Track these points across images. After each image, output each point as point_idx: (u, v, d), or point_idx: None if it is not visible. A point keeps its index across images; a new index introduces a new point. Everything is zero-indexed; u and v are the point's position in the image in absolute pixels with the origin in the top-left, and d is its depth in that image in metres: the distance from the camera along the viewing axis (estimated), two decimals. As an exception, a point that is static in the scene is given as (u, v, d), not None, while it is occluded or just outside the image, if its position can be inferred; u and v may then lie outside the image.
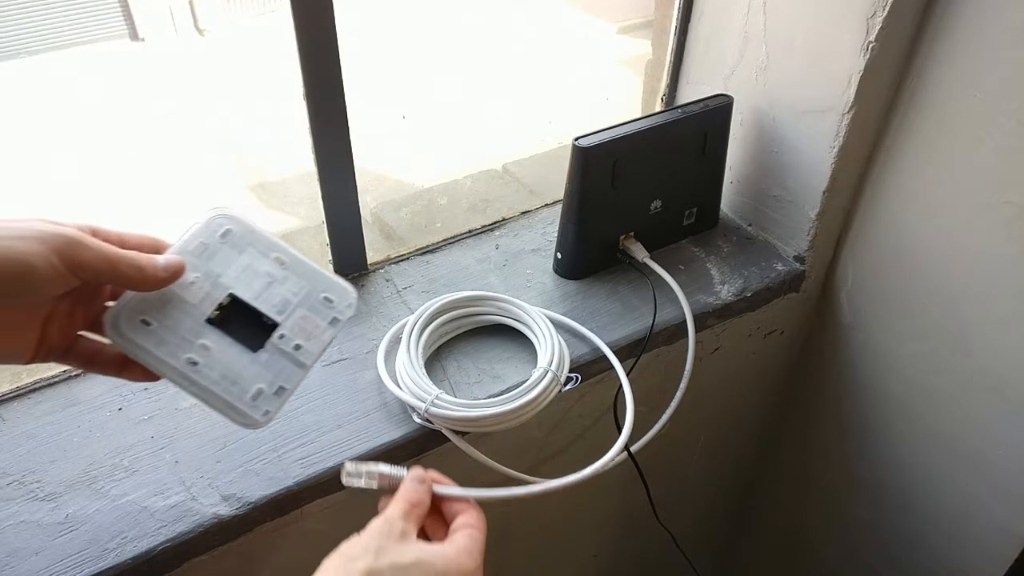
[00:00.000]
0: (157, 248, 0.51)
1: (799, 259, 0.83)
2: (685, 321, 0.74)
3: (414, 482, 0.51)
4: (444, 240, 0.84)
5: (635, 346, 0.73)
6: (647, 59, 0.94)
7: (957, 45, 0.68)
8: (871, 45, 0.68)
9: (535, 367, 0.67)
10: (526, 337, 0.71)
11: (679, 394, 0.74)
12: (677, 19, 0.85)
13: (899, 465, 0.90)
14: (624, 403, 0.68)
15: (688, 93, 0.88)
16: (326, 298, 0.53)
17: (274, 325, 0.52)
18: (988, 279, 0.73)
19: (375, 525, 0.47)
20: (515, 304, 0.72)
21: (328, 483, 0.61)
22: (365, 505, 0.67)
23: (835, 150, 0.74)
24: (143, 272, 0.47)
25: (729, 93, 0.79)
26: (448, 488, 0.53)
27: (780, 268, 0.83)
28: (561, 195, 0.75)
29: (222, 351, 0.50)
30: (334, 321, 0.53)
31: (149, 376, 0.50)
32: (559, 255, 0.79)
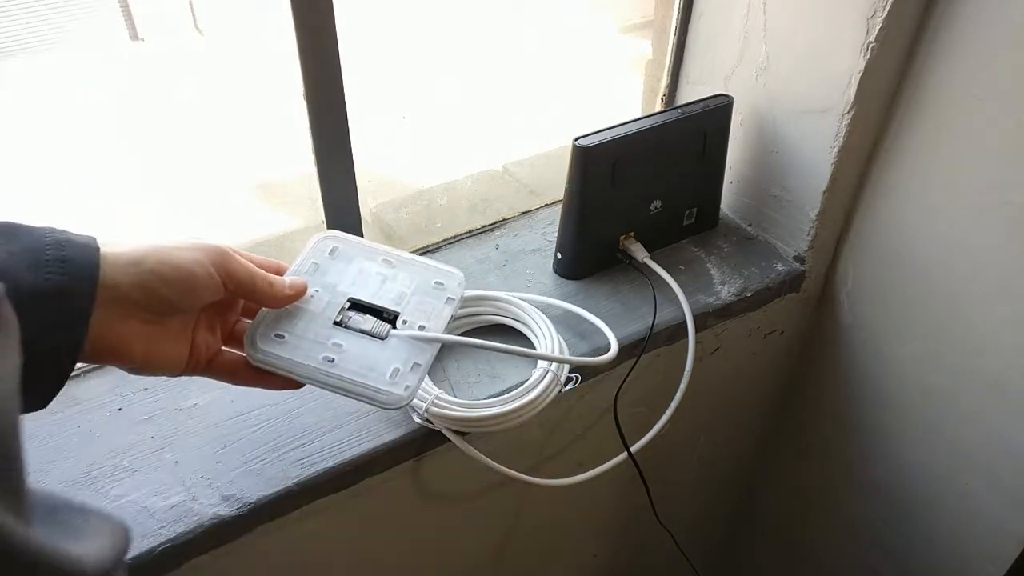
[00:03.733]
0: (278, 270, 0.56)
1: (799, 259, 0.83)
2: (685, 321, 0.74)
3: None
4: (444, 240, 0.84)
5: (635, 346, 0.73)
6: (647, 59, 0.94)
7: (957, 45, 0.68)
8: (871, 45, 0.68)
9: (535, 367, 0.67)
10: (526, 337, 0.71)
11: (679, 394, 0.74)
12: (677, 19, 0.85)
13: (899, 465, 0.90)
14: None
15: (688, 93, 0.88)
16: (437, 283, 0.58)
17: (395, 316, 0.56)
18: (988, 279, 0.73)
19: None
20: (515, 304, 0.72)
21: (328, 483, 0.61)
22: (365, 506, 0.67)
23: (835, 150, 0.74)
24: (274, 288, 0.53)
25: (729, 93, 0.79)
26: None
27: (780, 268, 0.83)
28: (561, 195, 0.75)
29: (354, 345, 0.55)
30: (449, 300, 0.58)
31: (289, 384, 0.54)
32: (559, 255, 0.79)
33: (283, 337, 0.54)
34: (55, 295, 0.41)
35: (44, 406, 0.44)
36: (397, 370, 0.54)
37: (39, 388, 0.43)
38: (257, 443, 0.62)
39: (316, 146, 0.69)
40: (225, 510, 0.57)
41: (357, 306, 0.56)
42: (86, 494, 0.58)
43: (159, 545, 0.55)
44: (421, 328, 0.56)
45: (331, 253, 0.59)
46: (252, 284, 0.51)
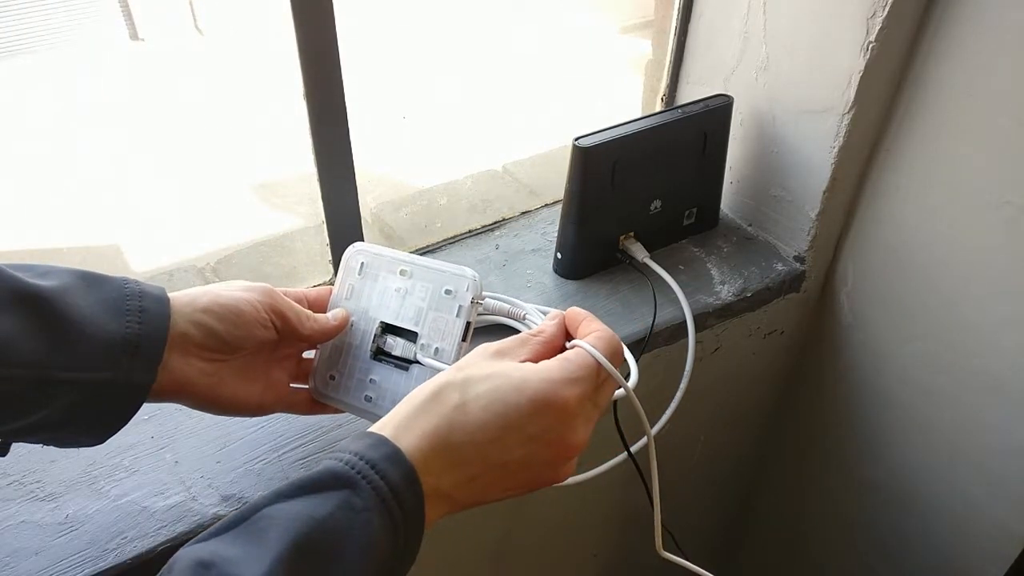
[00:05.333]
0: (325, 296, 0.60)
1: (799, 259, 0.83)
2: (685, 321, 0.74)
3: (548, 319, 0.50)
4: (444, 240, 0.84)
5: (635, 346, 0.73)
6: (647, 59, 0.94)
7: (957, 45, 0.68)
8: (871, 45, 0.68)
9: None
10: (526, 337, 0.71)
11: (679, 394, 0.74)
12: (677, 19, 0.85)
13: (899, 465, 0.90)
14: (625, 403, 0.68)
15: (688, 93, 0.88)
16: (447, 291, 0.57)
17: (416, 336, 0.57)
18: (988, 279, 0.73)
19: (476, 349, 0.48)
20: (515, 304, 0.72)
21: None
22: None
23: (835, 150, 0.74)
24: (319, 324, 0.56)
25: (729, 93, 0.79)
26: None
27: (780, 268, 0.83)
28: (561, 195, 0.75)
29: (385, 380, 0.57)
30: (460, 310, 0.56)
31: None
32: (559, 255, 0.79)
33: (335, 378, 0.58)
34: (134, 342, 0.46)
35: (102, 442, 0.48)
36: None
37: (101, 425, 0.47)
38: (257, 443, 0.62)
39: (316, 146, 0.69)
40: (225, 510, 0.57)
41: (388, 327, 0.58)
42: (86, 494, 0.58)
43: (159, 545, 0.55)
44: (437, 351, 0.56)
45: (360, 271, 0.59)
46: (299, 321, 0.54)
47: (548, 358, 0.46)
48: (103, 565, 0.53)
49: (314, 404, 0.59)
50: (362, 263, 0.60)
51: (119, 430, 0.48)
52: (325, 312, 0.59)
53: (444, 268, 0.58)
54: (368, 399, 0.57)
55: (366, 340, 0.58)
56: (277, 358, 0.57)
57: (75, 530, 0.55)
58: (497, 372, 0.44)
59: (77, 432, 0.47)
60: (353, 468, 0.39)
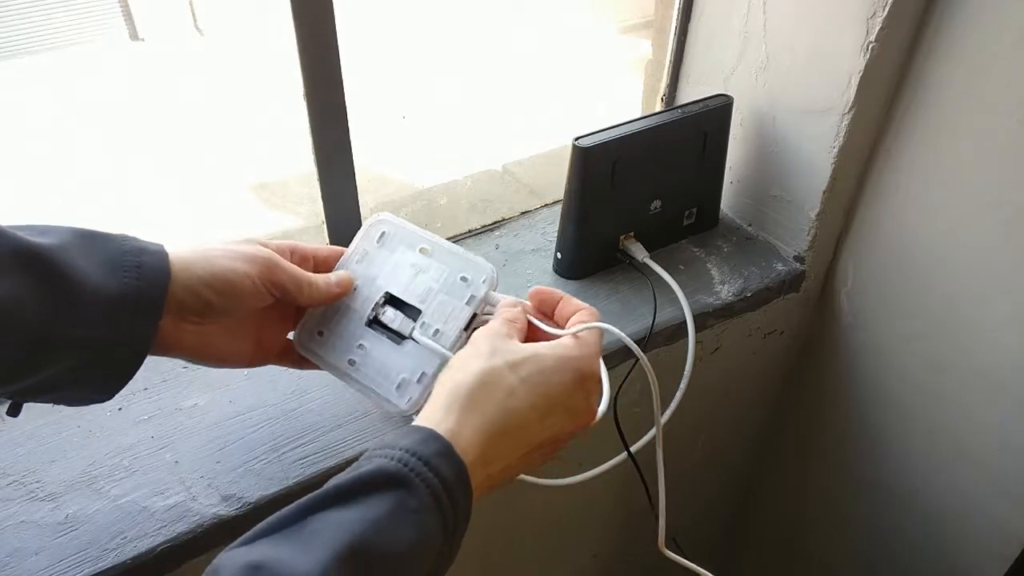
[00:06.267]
0: (337, 255, 0.59)
1: (799, 259, 0.83)
2: (685, 321, 0.74)
3: (507, 306, 0.53)
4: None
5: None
6: (647, 59, 0.94)
7: (957, 45, 0.68)
8: (871, 45, 0.68)
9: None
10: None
11: (679, 394, 0.74)
12: (677, 19, 0.85)
13: (899, 465, 0.90)
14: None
15: (688, 93, 0.88)
16: (462, 278, 0.56)
17: (419, 314, 0.56)
18: (988, 279, 0.73)
19: (479, 335, 0.48)
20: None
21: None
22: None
23: (835, 150, 0.74)
24: (320, 290, 0.55)
25: (729, 93, 0.79)
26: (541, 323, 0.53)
27: (780, 268, 0.83)
28: (561, 195, 0.75)
29: (374, 348, 0.56)
30: (471, 299, 0.56)
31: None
32: (559, 255, 0.79)
33: (322, 335, 0.57)
34: (134, 299, 0.45)
35: (110, 398, 0.49)
36: (404, 380, 0.55)
37: (107, 382, 0.47)
38: (257, 443, 0.62)
39: (316, 146, 0.69)
40: (225, 510, 0.57)
41: (392, 298, 0.57)
42: (86, 494, 0.58)
43: (159, 545, 0.55)
44: (436, 333, 0.55)
45: (379, 240, 0.59)
46: (299, 290, 0.53)
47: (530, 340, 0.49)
48: (103, 565, 0.53)
49: (303, 359, 0.58)
50: (383, 232, 0.59)
51: (124, 385, 0.48)
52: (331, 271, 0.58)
53: (466, 256, 0.57)
54: (352, 363, 0.56)
55: (365, 306, 0.57)
56: (273, 318, 0.56)
57: (75, 530, 0.55)
58: (533, 354, 0.45)
59: (84, 390, 0.47)
60: (407, 466, 0.38)
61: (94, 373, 0.46)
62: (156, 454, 0.61)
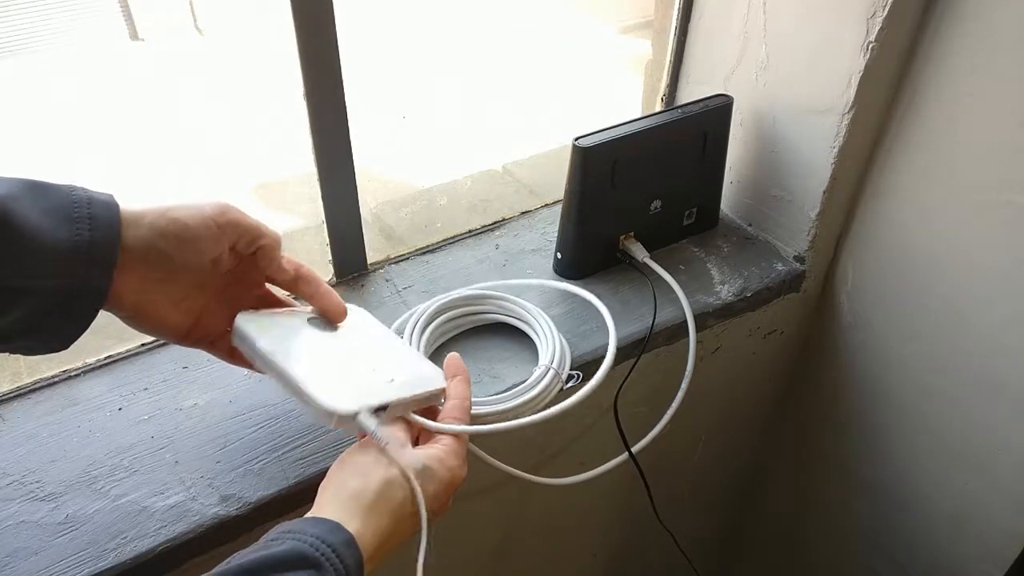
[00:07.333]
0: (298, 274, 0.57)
1: (799, 259, 0.83)
2: (685, 321, 0.74)
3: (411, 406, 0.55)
4: (444, 240, 0.84)
5: (635, 346, 0.73)
6: (647, 59, 0.94)
7: (957, 45, 0.68)
8: (871, 45, 0.68)
9: (536, 365, 0.67)
10: (525, 337, 0.71)
11: (680, 394, 0.74)
12: (677, 19, 0.85)
13: (899, 465, 0.90)
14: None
15: (688, 93, 0.88)
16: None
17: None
18: (988, 279, 0.73)
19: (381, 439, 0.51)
20: (516, 302, 0.72)
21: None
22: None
23: (835, 150, 0.74)
24: (274, 253, 0.54)
25: (729, 93, 0.79)
26: (431, 423, 0.54)
27: (780, 268, 0.83)
28: (561, 195, 0.75)
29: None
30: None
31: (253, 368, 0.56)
32: (559, 255, 0.79)
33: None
34: (86, 249, 0.45)
35: (65, 348, 0.48)
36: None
37: (64, 332, 0.47)
38: (257, 443, 0.62)
39: (316, 146, 0.69)
40: (225, 510, 0.57)
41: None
42: (86, 494, 0.58)
43: (159, 545, 0.55)
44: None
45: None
46: (258, 236, 0.52)
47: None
48: (103, 565, 0.53)
49: (233, 352, 0.56)
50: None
51: (81, 334, 0.48)
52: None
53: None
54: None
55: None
56: (220, 300, 0.54)
57: (75, 530, 0.55)
58: (424, 466, 0.50)
59: (39, 340, 0.47)
60: (319, 550, 0.43)
61: (50, 323, 0.46)
62: (156, 454, 0.61)
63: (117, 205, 0.47)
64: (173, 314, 0.52)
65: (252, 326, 0.53)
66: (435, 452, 0.52)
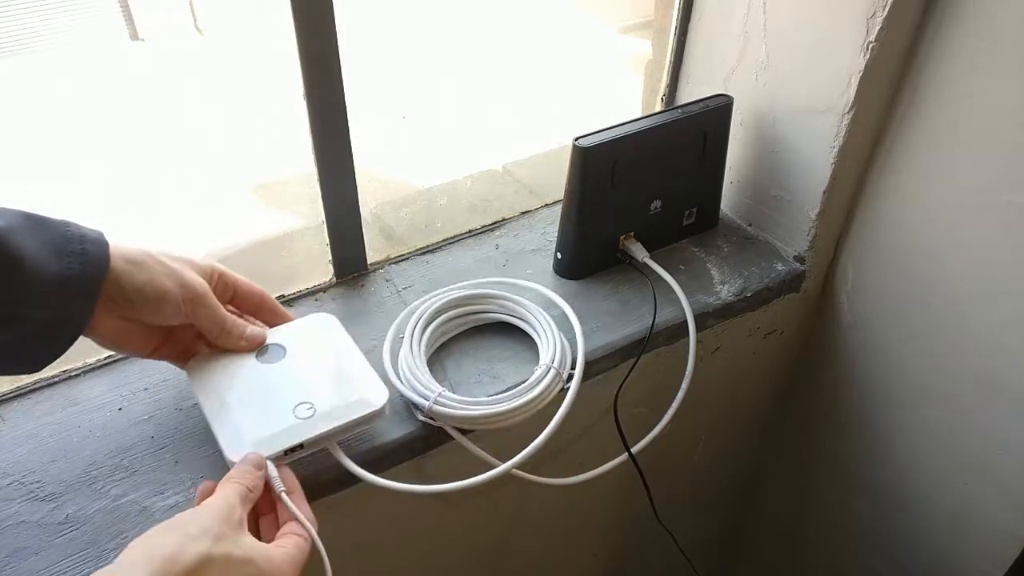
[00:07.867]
0: (261, 302, 0.63)
1: (799, 259, 0.83)
2: (685, 321, 0.74)
3: (250, 466, 0.52)
4: (444, 240, 0.84)
5: (635, 346, 0.73)
6: (647, 59, 0.94)
7: (957, 45, 0.68)
8: (871, 45, 0.68)
9: (536, 365, 0.67)
10: (525, 336, 0.71)
11: (680, 394, 0.74)
12: (677, 19, 0.85)
13: (899, 465, 0.90)
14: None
15: (688, 93, 0.88)
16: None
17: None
18: (988, 279, 0.73)
19: (216, 506, 0.47)
20: (516, 301, 0.72)
21: (330, 483, 0.61)
22: (366, 505, 0.67)
23: (835, 150, 0.74)
24: (231, 339, 0.59)
25: (729, 93, 0.79)
26: (288, 501, 0.53)
27: (780, 268, 0.83)
28: (561, 195, 0.75)
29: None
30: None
31: None
32: (559, 255, 0.79)
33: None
34: (75, 282, 0.49)
35: (37, 371, 0.52)
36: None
37: (39, 357, 0.51)
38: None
39: (316, 146, 0.69)
40: (225, 510, 0.57)
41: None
42: (86, 494, 0.58)
43: (159, 545, 0.55)
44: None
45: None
46: (212, 332, 0.58)
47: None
48: (103, 565, 0.53)
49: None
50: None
51: (50, 363, 0.51)
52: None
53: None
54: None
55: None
56: (189, 327, 0.59)
57: (75, 530, 0.55)
58: (248, 558, 0.46)
59: (15, 362, 0.50)
60: None
61: (29, 349, 0.49)
62: (156, 454, 0.61)
63: (107, 244, 0.51)
64: (145, 339, 0.57)
65: (196, 375, 0.59)
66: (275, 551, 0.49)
